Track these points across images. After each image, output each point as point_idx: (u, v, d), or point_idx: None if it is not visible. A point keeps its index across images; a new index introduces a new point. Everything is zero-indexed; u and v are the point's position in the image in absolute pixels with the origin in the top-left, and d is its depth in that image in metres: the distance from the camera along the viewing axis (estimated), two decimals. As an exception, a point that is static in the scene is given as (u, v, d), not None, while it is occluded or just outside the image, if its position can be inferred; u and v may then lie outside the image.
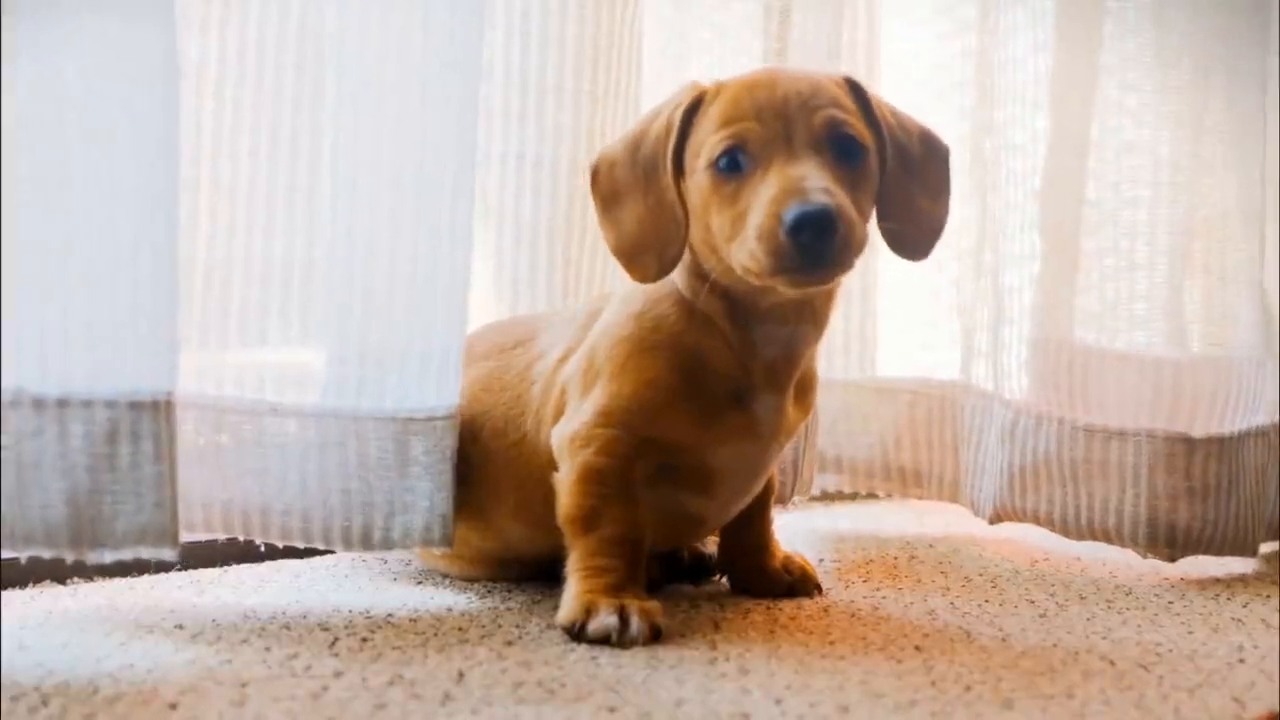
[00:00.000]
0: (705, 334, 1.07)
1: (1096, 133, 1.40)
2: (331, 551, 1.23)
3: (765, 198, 0.98)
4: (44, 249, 0.94)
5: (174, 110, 0.98)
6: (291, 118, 1.12)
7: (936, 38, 1.55)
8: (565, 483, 1.07)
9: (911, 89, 1.56)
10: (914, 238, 1.09)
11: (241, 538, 1.12)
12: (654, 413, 1.06)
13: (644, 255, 1.07)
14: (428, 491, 1.12)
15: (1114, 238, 1.40)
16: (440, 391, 1.12)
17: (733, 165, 1.01)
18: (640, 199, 1.07)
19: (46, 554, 0.95)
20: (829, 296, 1.09)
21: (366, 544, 1.12)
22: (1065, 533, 1.38)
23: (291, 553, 1.22)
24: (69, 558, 0.95)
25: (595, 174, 1.10)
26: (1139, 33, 1.38)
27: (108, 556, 0.96)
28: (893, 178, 1.06)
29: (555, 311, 1.25)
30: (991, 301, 1.44)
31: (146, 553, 0.97)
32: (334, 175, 1.11)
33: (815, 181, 0.97)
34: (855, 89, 1.07)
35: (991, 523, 1.42)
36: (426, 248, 1.11)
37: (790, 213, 0.95)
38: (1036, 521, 1.39)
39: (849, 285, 1.53)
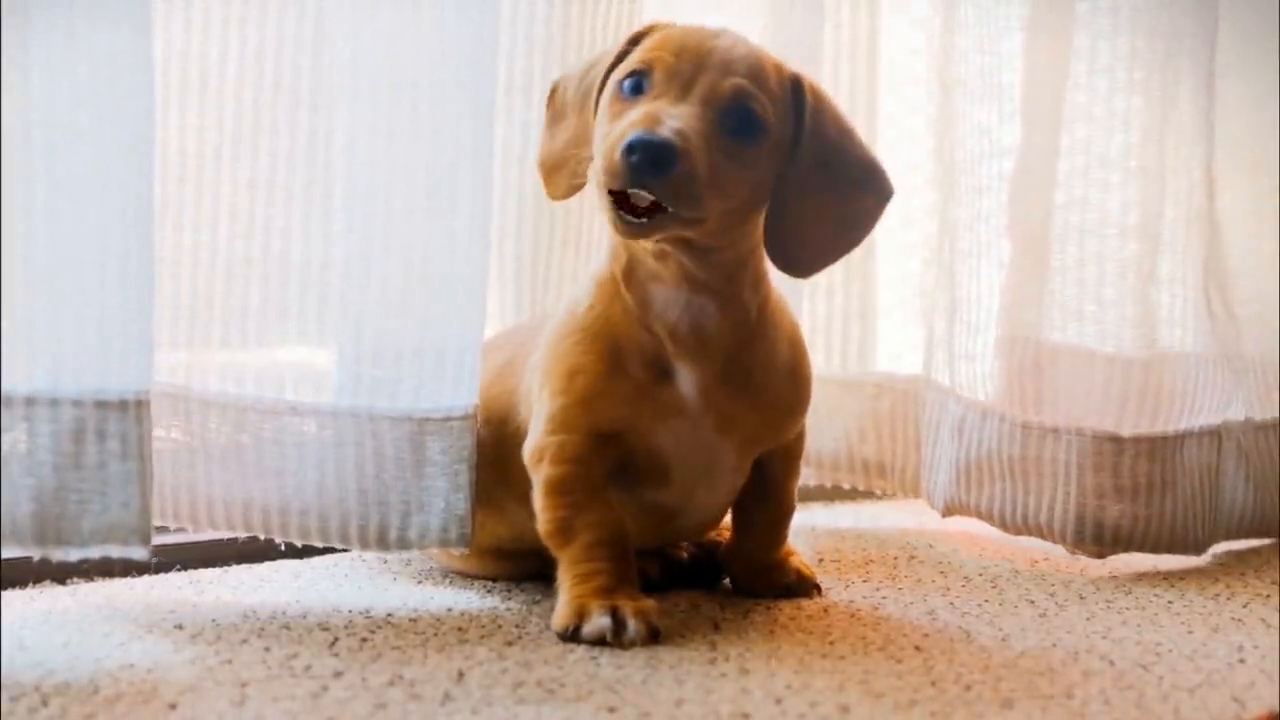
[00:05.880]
0: (614, 307, 1.07)
1: (1065, 138, 1.40)
2: (334, 550, 1.23)
3: (626, 121, 0.98)
4: (11, 249, 0.94)
5: (148, 109, 0.98)
6: (309, 118, 1.12)
7: (929, 38, 1.55)
8: (537, 498, 1.07)
9: (910, 89, 1.56)
10: (794, 253, 1.06)
11: (262, 536, 1.13)
12: (588, 402, 1.06)
13: (558, 172, 1.09)
14: (444, 492, 1.12)
15: (1071, 236, 1.39)
16: (456, 391, 1.12)
17: (635, 88, 1.02)
18: (575, 119, 1.08)
19: (13, 552, 0.95)
20: (716, 264, 1.05)
21: (383, 544, 1.12)
22: (1004, 528, 1.39)
23: (291, 552, 1.22)
24: (35, 555, 0.95)
25: (553, 92, 1.12)
26: (1103, 36, 1.38)
27: (74, 555, 0.96)
28: (797, 186, 1.04)
29: None
30: (947, 297, 1.44)
31: (115, 551, 0.97)
32: (349, 175, 1.11)
33: (673, 121, 0.97)
34: (796, 87, 1.05)
35: (944, 516, 1.44)
36: (442, 247, 1.11)
37: (632, 135, 0.95)
38: (979, 516, 1.41)
39: (834, 281, 1.53)
